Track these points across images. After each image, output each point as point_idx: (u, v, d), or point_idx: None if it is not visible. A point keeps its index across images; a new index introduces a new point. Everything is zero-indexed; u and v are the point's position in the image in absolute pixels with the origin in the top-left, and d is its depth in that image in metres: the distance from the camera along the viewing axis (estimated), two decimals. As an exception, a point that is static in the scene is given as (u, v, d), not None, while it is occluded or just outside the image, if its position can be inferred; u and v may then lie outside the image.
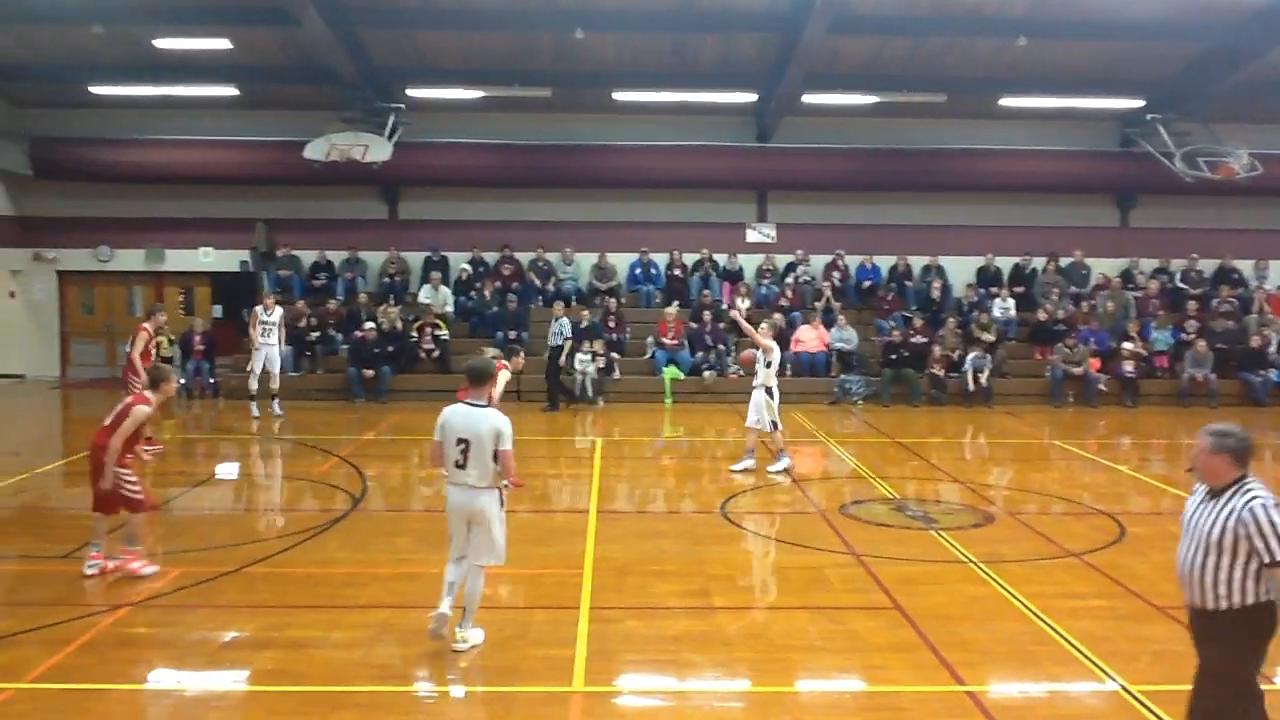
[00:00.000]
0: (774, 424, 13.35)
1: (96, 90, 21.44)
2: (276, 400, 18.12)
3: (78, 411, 19.05)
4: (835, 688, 6.97)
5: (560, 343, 20.03)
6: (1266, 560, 4.84)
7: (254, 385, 17.74)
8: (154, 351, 14.76)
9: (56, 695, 6.63)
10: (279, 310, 18.49)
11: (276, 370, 18.21)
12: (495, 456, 7.18)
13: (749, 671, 7.10)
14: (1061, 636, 7.63)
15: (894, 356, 20.49)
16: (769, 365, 13.38)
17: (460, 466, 7.21)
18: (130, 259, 23.43)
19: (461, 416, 7.26)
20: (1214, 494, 5.05)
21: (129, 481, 9.04)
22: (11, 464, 13.95)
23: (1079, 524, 11.17)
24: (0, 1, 18.00)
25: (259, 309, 18.43)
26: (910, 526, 11.01)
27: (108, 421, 9.10)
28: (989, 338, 20.82)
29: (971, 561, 9.51)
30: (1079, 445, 16.17)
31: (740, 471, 13.40)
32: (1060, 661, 7.23)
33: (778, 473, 13.34)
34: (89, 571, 8.91)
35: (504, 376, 11.04)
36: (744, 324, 14.36)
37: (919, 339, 20.75)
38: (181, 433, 17.14)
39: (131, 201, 23.07)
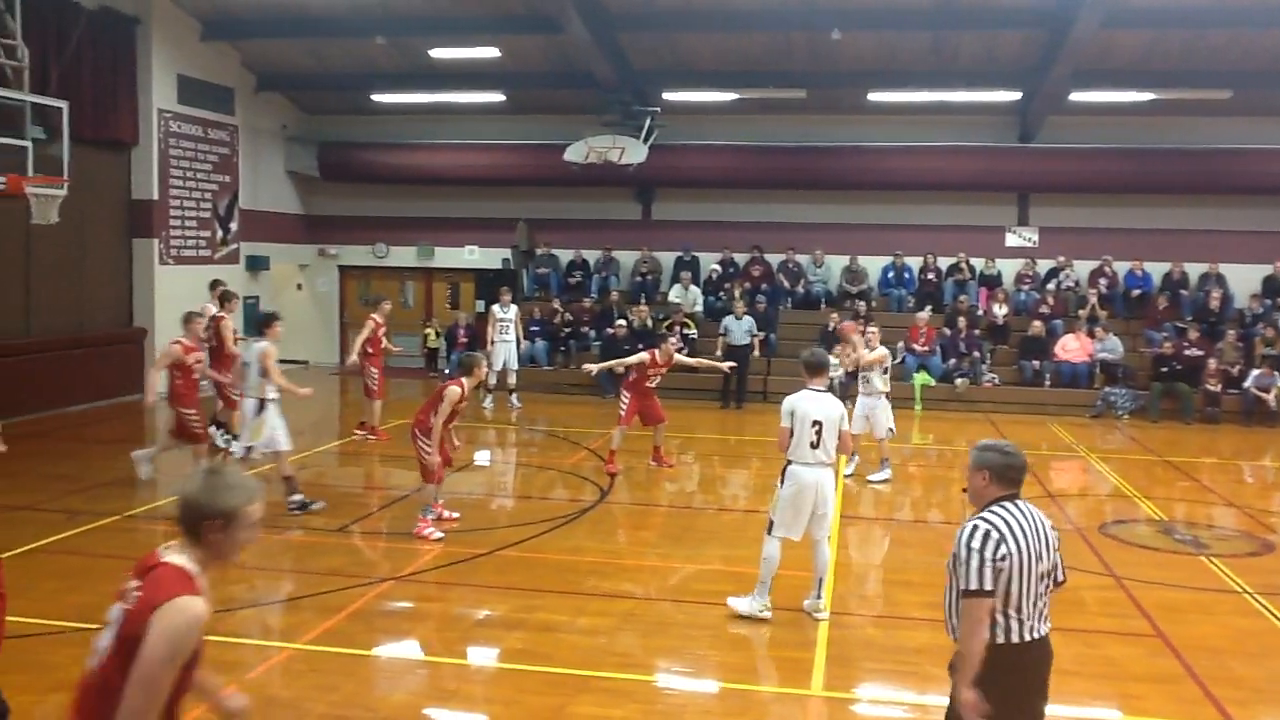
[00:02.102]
0: (890, 430, 13.15)
1: (377, 98, 22.96)
2: (515, 394, 18.95)
3: (354, 397, 20.33)
4: (1088, 714, 6.65)
5: (749, 341, 20.08)
6: (960, 585, 4.27)
7: (492, 380, 18.32)
8: (382, 339, 15.86)
9: (328, 657, 7.19)
10: (514, 308, 19.20)
11: (515, 366, 19.01)
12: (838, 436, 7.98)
13: (994, 690, 6.86)
14: (1350, 680, 7.00)
15: (1165, 369, 19.19)
16: (885, 372, 13.16)
17: (814, 446, 7.87)
18: (403, 255, 24.94)
19: (813, 401, 7.94)
20: None
21: (426, 449, 10.09)
22: (296, 443, 15.07)
23: (1375, 559, 10.19)
24: (295, 18, 19.60)
25: (495, 307, 19.24)
26: (1177, 550, 10.35)
27: (427, 400, 10.38)
28: (1275, 352, 19.16)
29: (1246, 592, 8.85)
30: (1378, 473, 14.74)
31: (880, 482, 13.05)
32: (1347, 707, 6.64)
33: (880, 482, 13.02)
34: (413, 531, 10.07)
35: (643, 356, 13.45)
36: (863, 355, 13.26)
37: (1194, 351, 19.35)
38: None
39: (405, 201, 24.55)
